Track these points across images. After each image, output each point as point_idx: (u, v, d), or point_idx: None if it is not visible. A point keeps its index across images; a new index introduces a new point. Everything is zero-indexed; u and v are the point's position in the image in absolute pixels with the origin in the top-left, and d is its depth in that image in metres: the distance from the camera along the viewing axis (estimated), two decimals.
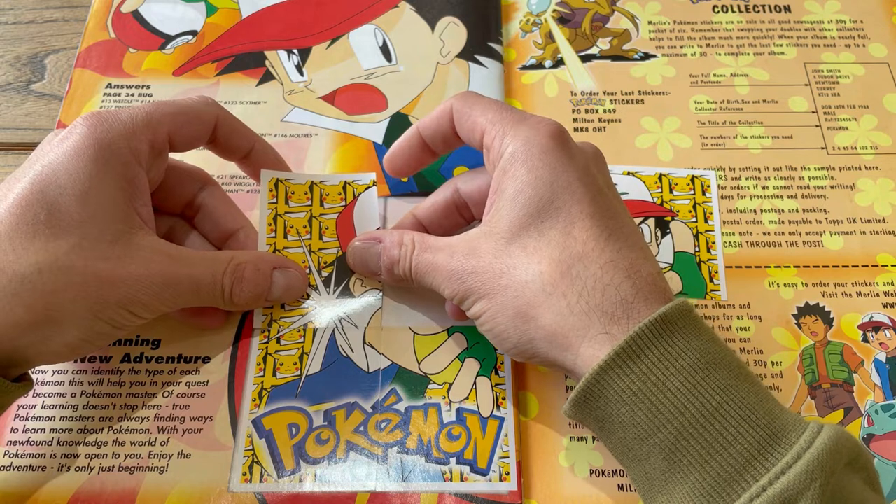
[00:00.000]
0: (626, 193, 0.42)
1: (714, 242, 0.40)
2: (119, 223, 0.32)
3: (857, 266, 0.40)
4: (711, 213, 0.41)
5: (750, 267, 0.40)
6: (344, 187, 0.41)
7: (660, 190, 0.42)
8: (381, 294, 0.39)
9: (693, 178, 0.42)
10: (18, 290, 0.30)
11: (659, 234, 0.40)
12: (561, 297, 0.30)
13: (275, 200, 0.40)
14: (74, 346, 0.32)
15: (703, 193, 0.42)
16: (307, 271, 0.39)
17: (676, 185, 0.42)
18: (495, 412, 0.36)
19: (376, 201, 0.40)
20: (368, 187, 0.41)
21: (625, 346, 0.28)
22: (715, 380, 0.28)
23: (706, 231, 0.41)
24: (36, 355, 0.31)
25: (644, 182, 0.42)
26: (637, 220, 0.41)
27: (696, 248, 0.40)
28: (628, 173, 0.42)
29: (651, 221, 0.41)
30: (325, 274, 0.39)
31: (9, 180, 0.32)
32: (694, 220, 0.41)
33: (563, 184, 0.31)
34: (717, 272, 0.40)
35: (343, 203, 0.40)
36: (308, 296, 0.38)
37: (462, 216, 0.38)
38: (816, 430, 0.27)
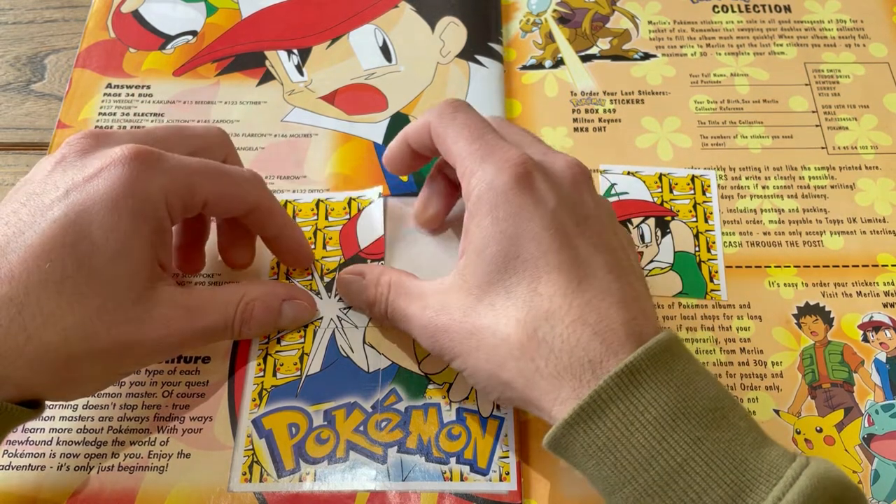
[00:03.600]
0: (626, 193, 0.42)
1: (714, 242, 0.40)
2: (144, 280, 0.31)
3: (858, 266, 0.40)
4: (711, 213, 0.41)
5: (750, 267, 0.40)
6: (349, 203, 0.41)
7: (660, 190, 0.42)
8: None
9: (693, 178, 0.42)
10: (44, 357, 0.28)
11: (659, 233, 0.40)
12: (529, 361, 0.29)
13: None
14: (86, 392, 0.33)
15: (704, 193, 0.42)
16: (309, 277, 0.39)
17: (676, 184, 0.42)
18: (495, 412, 0.36)
19: (381, 214, 0.41)
20: (373, 201, 0.41)
21: (589, 402, 0.27)
22: (681, 432, 0.27)
23: (706, 231, 0.41)
24: (50, 398, 0.31)
25: (644, 182, 0.42)
26: (637, 220, 0.41)
27: (697, 248, 0.40)
28: (628, 173, 0.42)
29: (651, 221, 0.41)
30: (326, 280, 0.39)
31: (34, 207, 0.30)
32: (694, 219, 0.41)
33: (528, 235, 0.30)
34: (717, 272, 0.40)
35: (347, 216, 0.41)
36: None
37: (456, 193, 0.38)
38: (792, 479, 0.26)
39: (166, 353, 0.34)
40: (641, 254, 0.40)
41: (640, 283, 0.32)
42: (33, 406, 0.30)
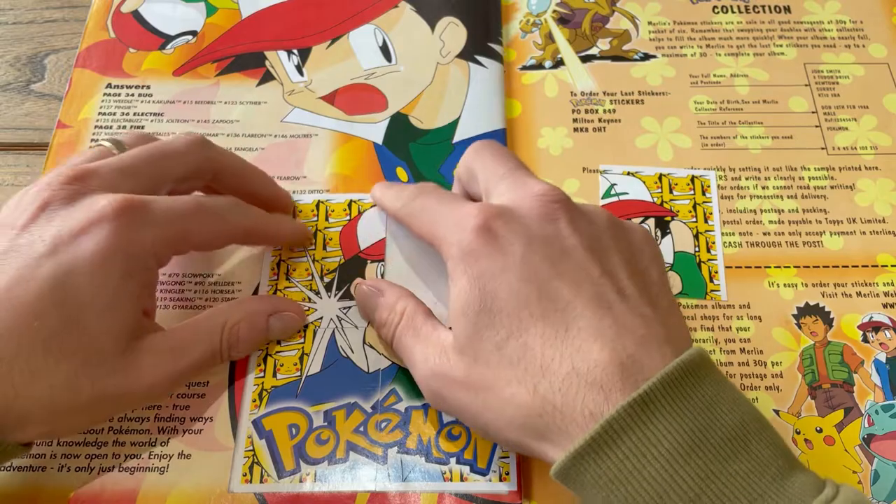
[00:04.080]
0: (625, 193, 0.42)
1: (714, 242, 0.40)
2: (129, 333, 0.31)
3: (857, 266, 0.40)
4: (711, 213, 0.41)
5: (750, 267, 0.40)
6: (349, 204, 0.41)
7: (660, 190, 0.42)
8: None
9: (693, 179, 0.42)
10: (31, 411, 0.29)
11: (659, 234, 0.40)
12: (537, 418, 0.28)
13: None
14: (75, 432, 0.35)
15: (703, 193, 0.42)
16: (309, 277, 0.39)
17: (676, 185, 0.42)
18: None
19: (383, 216, 0.41)
20: (375, 205, 0.41)
21: (600, 432, 0.26)
22: (695, 465, 0.25)
23: (706, 231, 0.41)
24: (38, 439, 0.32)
25: (644, 182, 0.42)
26: (637, 220, 0.41)
27: (696, 248, 0.40)
28: (628, 173, 0.42)
29: (651, 222, 0.41)
30: (326, 280, 0.39)
31: (22, 260, 0.29)
32: (694, 220, 0.41)
33: (504, 289, 0.29)
34: (717, 272, 0.40)
35: (347, 218, 0.41)
36: (309, 299, 0.38)
37: None
38: None
39: (157, 397, 0.34)
40: None
41: (645, 305, 0.30)
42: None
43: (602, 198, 0.41)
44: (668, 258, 0.40)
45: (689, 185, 0.42)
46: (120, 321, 0.30)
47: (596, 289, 0.29)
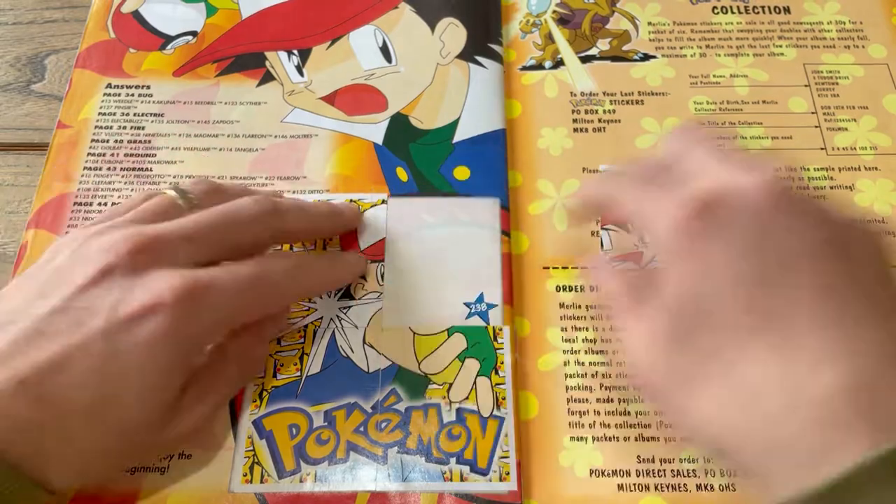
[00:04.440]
0: None
1: None
2: (169, 403, 0.31)
3: None
4: None
5: None
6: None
7: None
8: (380, 295, 0.39)
9: None
10: (62, 471, 0.29)
11: None
12: (744, 444, 0.24)
13: None
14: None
15: None
16: None
17: None
18: (495, 412, 0.36)
19: (383, 218, 0.41)
20: (375, 205, 0.41)
21: (840, 483, 0.21)
22: None
23: None
24: None
25: None
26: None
27: None
28: None
29: None
30: None
31: (74, 332, 0.29)
32: None
33: (711, 294, 0.25)
34: None
35: None
36: (310, 298, 0.38)
37: None
38: None
39: (185, 442, 0.35)
40: (641, 254, 0.40)
41: (878, 325, 0.24)
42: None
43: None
44: None
45: None
46: (160, 401, 0.30)
47: (833, 301, 0.24)
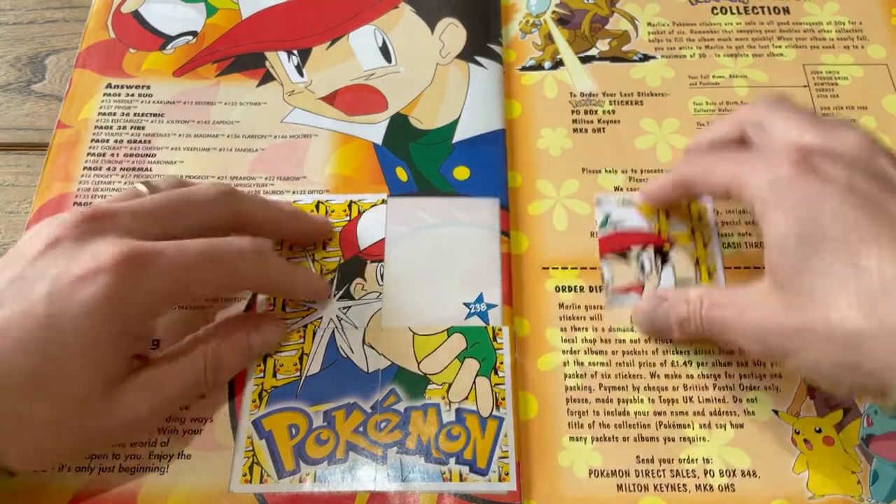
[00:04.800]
0: (622, 222, 0.41)
1: (715, 268, 0.40)
2: (112, 379, 0.31)
3: None
4: (710, 239, 0.40)
5: (749, 268, 0.40)
6: (349, 205, 0.41)
7: (656, 218, 0.41)
8: (380, 295, 0.39)
9: (689, 206, 0.41)
10: (11, 447, 0.30)
11: (659, 262, 0.40)
12: (877, 344, 0.26)
13: None
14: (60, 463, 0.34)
15: (699, 220, 0.41)
16: None
17: (671, 214, 0.41)
18: (495, 412, 0.36)
19: (382, 218, 0.41)
20: (375, 205, 0.41)
21: None
22: None
23: (707, 258, 0.40)
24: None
25: (640, 211, 0.41)
26: (636, 250, 0.40)
27: (697, 275, 0.39)
28: (623, 202, 0.42)
29: (650, 250, 0.40)
30: (326, 279, 0.39)
31: (19, 299, 0.29)
32: (693, 246, 0.40)
33: (828, 214, 0.28)
34: None
35: (347, 218, 0.41)
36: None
37: None
38: None
39: (143, 431, 0.35)
40: (642, 287, 0.39)
41: None
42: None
43: (599, 227, 0.41)
44: (671, 285, 0.39)
45: (686, 213, 0.41)
46: (103, 371, 0.30)
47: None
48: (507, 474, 0.34)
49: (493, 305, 0.38)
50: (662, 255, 0.40)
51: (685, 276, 0.39)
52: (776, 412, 0.36)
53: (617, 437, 0.36)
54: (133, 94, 0.45)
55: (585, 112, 0.45)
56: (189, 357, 0.34)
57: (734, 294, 0.33)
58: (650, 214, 0.41)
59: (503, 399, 0.36)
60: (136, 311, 0.31)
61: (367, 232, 0.40)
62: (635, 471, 0.35)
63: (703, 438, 0.36)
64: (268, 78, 0.46)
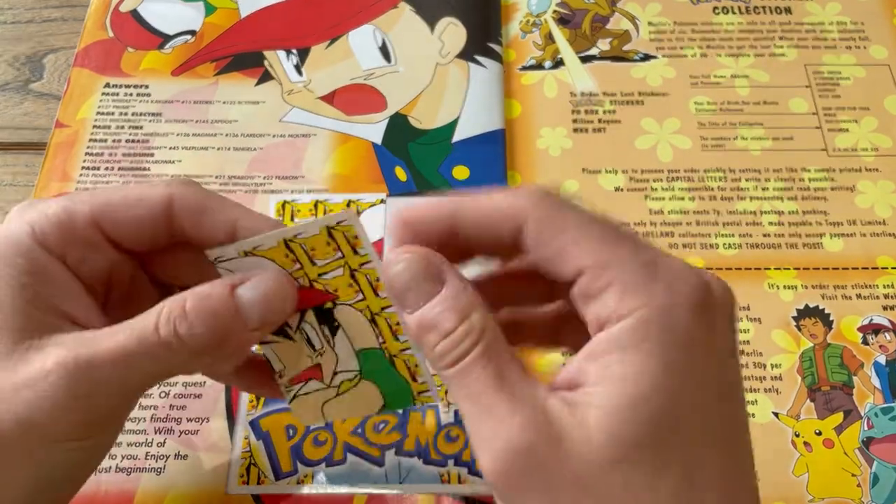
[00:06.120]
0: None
1: (398, 322, 0.26)
2: (16, 331, 0.24)
3: (857, 268, 0.40)
4: (377, 280, 0.26)
5: (749, 269, 0.40)
6: (348, 204, 0.41)
7: (299, 265, 0.26)
8: None
9: (331, 231, 0.25)
10: None
11: (327, 331, 0.27)
12: None
13: (280, 218, 0.40)
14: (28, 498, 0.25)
15: (355, 252, 0.25)
16: None
17: (314, 249, 0.25)
18: None
19: (382, 218, 0.41)
20: (374, 204, 0.41)
21: None
22: None
23: (383, 310, 0.26)
24: None
25: (270, 255, 0.26)
26: (295, 320, 0.27)
27: (381, 340, 0.27)
28: (245, 253, 0.26)
29: (311, 318, 0.27)
30: None
31: None
32: (360, 297, 0.26)
33: (698, 398, 0.21)
34: (417, 365, 0.27)
35: None
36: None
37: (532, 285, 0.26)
38: None
39: (60, 403, 0.24)
40: (320, 368, 0.28)
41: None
42: None
43: None
44: (353, 364, 0.28)
45: (329, 243, 0.25)
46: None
47: (744, 419, 0.23)
48: None
49: None
50: (327, 319, 0.27)
51: (365, 346, 0.27)
52: (776, 415, 0.36)
53: None
54: (131, 94, 0.45)
55: (586, 112, 0.45)
56: (140, 315, 0.25)
57: (522, 382, 0.22)
58: (284, 259, 0.26)
59: None
60: (13, 236, 0.25)
61: (367, 232, 0.40)
62: None
63: None
64: (266, 77, 0.46)
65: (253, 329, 0.25)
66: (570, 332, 0.22)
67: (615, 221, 0.23)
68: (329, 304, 0.26)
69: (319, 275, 0.26)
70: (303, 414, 0.29)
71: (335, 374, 0.28)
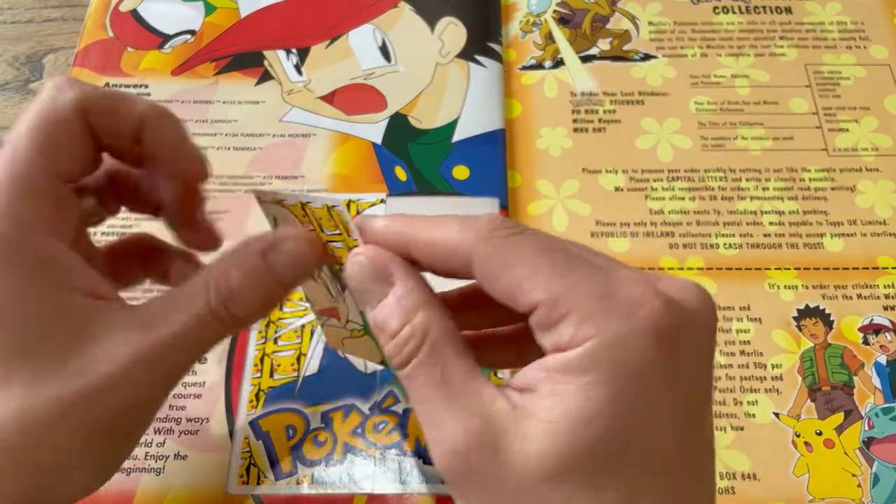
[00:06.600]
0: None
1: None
2: (53, 332, 0.23)
3: (858, 268, 0.40)
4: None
5: (750, 269, 0.40)
6: (348, 204, 0.41)
7: (311, 226, 0.27)
8: None
9: (330, 210, 0.25)
10: None
11: (338, 285, 0.28)
12: None
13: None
14: (90, 485, 0.25)
15: (349, 234, 0.25)
16: None
17: (321, 220, 0.26)
18: None
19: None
20: (374, 204, 0.41)
21: None
22: None
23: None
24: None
25: (294, 212, 0.27)
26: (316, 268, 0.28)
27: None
28: (278, 201, 0.27)
29: (325, 268, 0.28)
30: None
31: None
32: None
33: (648, 428, 0.21)
34: None
35: None
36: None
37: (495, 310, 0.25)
38: None
39: (138, 387, 0.24)
40: (336, 311, 0.30)
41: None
42: None
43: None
44: (358, 319, 0.29)
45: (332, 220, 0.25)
46: (35, 293, 0.23)
47: (713, 446, 0.23)
48: None
49: None
50: (338, 277, 0.28)
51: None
52: (777, 415, 0.36)
53: None
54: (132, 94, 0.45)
55: (586, 112, 0.45)
56: (188, 292, 0.25)
57: (467, 386, 0.22)
58: (302, 218, 0.27)
59: None
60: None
61: None
62: None
63: None
64: (266, 77, 0.46)
65: (288, 286, 0.26)
66: (536, 351, 0.22)
67: (568, 247, 0.23)
68: (337, 266, 0.27)
69: (327, 241, 0.26)
70: (329, 340, 0.32)
71: (348, 321, 0.29)
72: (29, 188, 0.24)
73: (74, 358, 0.23)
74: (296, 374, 0.36)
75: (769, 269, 0.40)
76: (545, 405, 0.21)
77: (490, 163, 0.42)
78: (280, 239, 0.26)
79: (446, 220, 0.24)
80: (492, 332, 0.27)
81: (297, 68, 0.46)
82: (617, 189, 0.42)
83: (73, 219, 0.26)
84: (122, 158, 0.27)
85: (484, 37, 0.47)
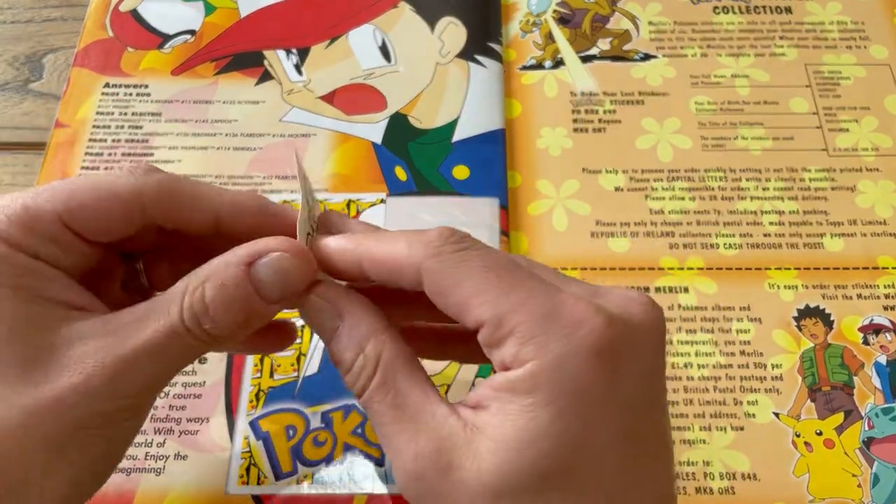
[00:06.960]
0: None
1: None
2: (22, 340, 0.23)
3: (858, 268, 0.40)
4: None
5: (750, 269, 0.40)
6: (348, 204, 0.41)
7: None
8: None
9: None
10: None
11: None
12: None
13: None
14: (69, 495, 0.24)
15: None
16: None
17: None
18: None
19: (382, 217, 0.40)
20: (374, 204, 0.41)
21: None
22: None
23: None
24: None
25: None
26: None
27: None
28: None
29: None
30: None
31: None
32: None
33: (592, 447, 0.21)
34: None
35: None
36: None
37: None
38: None
39: (104, 399, 0.23)
40: None
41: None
42: None
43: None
44: None
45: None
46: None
47: (672, 461, 0.24)
48: None
49: None
50: None
51: None
52: (777, 415, 0.36)
53: None
54: (131, 94, 0.45)
55: (586, 112, 0.45)
56: (163, 300, 0.24)
57: (422, 407, 0.23)
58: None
59: None
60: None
61: None
62: None
63: (704, 441, 0.35)
64: (266, 77, 0.46)
65: (272, 304, 0.24)
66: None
67: (515, 263, 0.23)
68: None
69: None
70: None
71: None
72: (27, 218, 0.24)
73: (41, 367, 0.22)
74: (296, 374, 0.36)
75: (769, 269, 0.40)
76: (493, 423, 0.22)
77: (490, 163, 0.42)
78: (268, 249, 0.24)
79: (395, 236, 0.24)
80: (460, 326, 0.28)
81: (297, 68, 0.46)
82: (617, 189, 0.42)
83: (70, 260, 0.25)
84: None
85: (484, 37, 0.47)
